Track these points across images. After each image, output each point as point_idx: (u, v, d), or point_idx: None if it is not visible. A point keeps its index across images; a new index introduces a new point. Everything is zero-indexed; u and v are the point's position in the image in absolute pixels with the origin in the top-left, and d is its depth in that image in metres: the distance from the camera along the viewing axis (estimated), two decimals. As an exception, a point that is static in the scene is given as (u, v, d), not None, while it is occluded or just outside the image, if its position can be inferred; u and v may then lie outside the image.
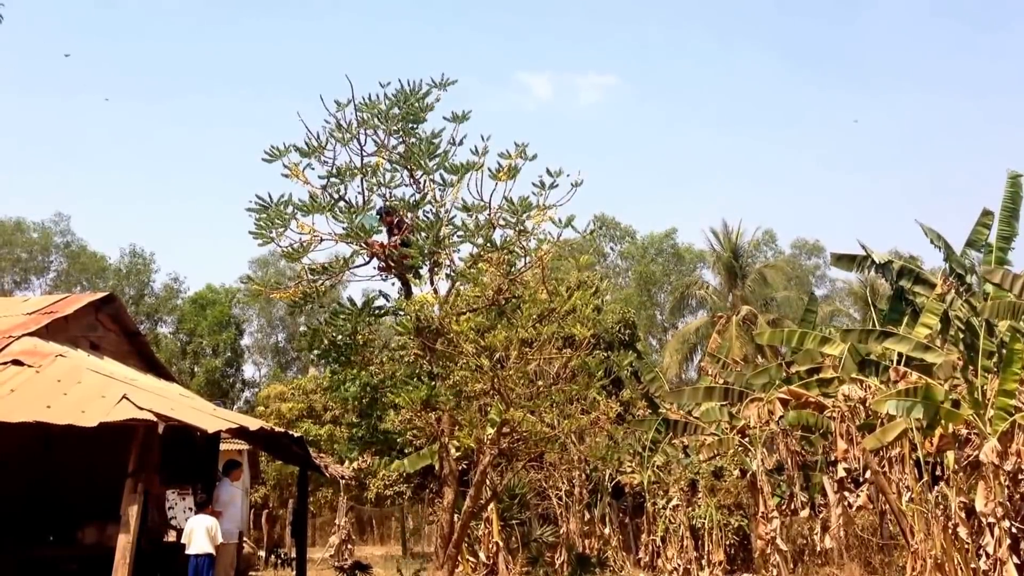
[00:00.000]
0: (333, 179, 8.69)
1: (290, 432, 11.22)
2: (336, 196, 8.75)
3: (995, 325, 12.72)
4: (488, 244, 8.48)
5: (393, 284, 8.96)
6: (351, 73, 10.16)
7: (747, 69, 69.28)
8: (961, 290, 14.41)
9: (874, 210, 67.45)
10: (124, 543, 8.01)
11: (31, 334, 10.17)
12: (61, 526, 10.47)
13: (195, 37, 68.95)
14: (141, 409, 8.20)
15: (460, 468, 9.34)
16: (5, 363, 9.41)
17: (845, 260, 15.88)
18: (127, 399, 8.49)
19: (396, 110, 8.89)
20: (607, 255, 46.31)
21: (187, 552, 9.61)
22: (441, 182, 8.74)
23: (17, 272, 41.80)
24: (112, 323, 12.07)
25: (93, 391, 8.87)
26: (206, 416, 9.45)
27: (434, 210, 8.73)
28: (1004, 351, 11.41)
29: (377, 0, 73.50)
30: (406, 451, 15.72)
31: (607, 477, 16.74)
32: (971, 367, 12.42)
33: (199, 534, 9.61)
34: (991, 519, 10.45)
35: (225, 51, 70.03)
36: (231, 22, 70.67)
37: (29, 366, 9.41)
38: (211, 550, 9.59)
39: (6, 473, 10.26)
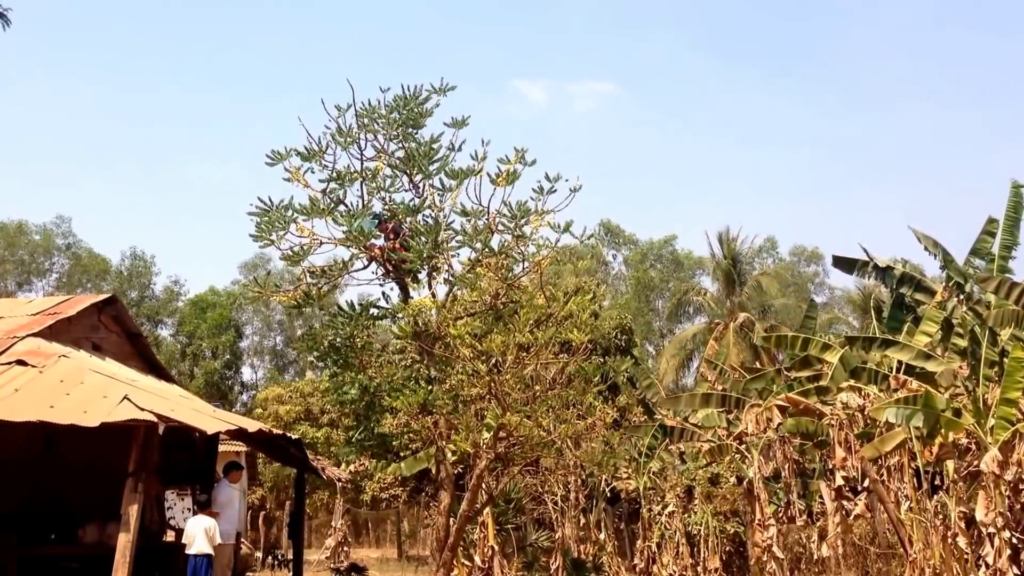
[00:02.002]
0: (333, 183, 8.75)
1: (288, 434, 11.28)
2: (336, 200, 8.81)
3: (997, 334, 12.66)
4: (486, 249, 8.52)
5: (392, 288, 9.01)
6: (350, 78, 10.21)
7: (745, 75, 69.52)
8: (961, 298, 14.39)
9: (874, 221, 67.58)
10: (124, 542, 8.06)
11: (35, 335, 10.26)
12: (62, 525, 10.53)
13: (197, 37, 69.32)
14: (142, 410, 8.27)
15: (456, 472, 9.36)
16: (9, 363, 9.50)
17: (846, 263, 15.83)
18: (128, 400, 8.56)
19: (396, 115, 8.94)
20: (608, 262, 46.31)
21: (187, 552, 9.69)
22: (440, 187, 8.78)
23: (19, 274, 41.91)
24: (114, 324, 12.15)
25: (95, 391, 8.94)
26: (206, 417, 9.51)
27: (433, 215, 8.77)
28: (1006, 360, 11.37)
29: (376, 8, 73.86)
30: (402, 454, 15.75)
31: (603, 482, 16.73)
32: (972, 376, 12.35)
33: (199, 535, 9.68)
34: (991, 529, 10.33)
35: (225, 53, 70.38)
36: (232, 24, 71.02)
37: (33, 366, 9.49)
38: (210, 551, 9.66)
39: (9, 472, 10.32)
